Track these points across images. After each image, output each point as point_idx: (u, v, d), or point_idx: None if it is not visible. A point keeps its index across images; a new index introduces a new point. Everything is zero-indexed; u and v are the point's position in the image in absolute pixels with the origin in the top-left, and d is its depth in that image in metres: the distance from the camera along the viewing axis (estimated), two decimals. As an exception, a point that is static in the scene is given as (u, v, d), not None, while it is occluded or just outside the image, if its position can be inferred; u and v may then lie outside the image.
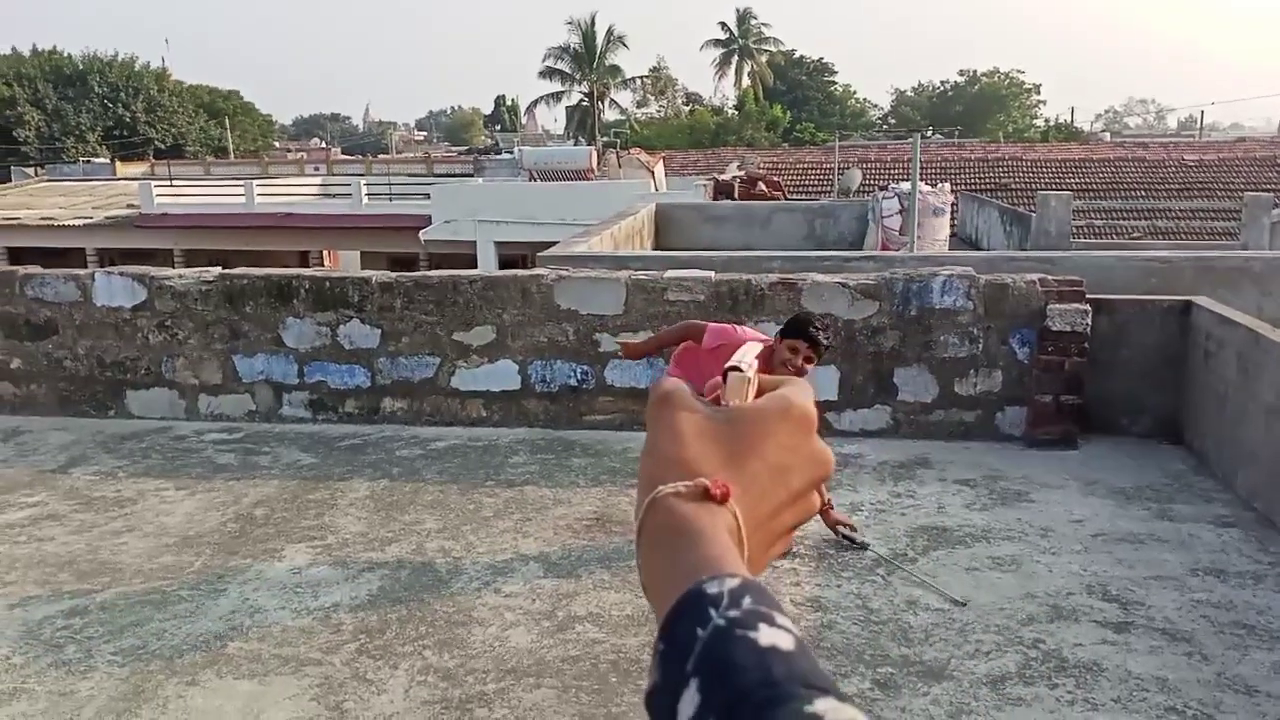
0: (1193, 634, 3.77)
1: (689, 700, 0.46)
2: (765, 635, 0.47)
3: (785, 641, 0.47)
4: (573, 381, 6.42)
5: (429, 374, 6.54)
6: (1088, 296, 5.90)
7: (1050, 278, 6.07)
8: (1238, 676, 3.47)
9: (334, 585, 4.29)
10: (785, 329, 4.23)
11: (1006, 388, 6.06)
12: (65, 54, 52.99)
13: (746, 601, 0.49)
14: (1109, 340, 6.04)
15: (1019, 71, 66.18)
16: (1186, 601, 4.02)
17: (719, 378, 0.64)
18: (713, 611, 0.49)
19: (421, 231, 21.85)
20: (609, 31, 55.42)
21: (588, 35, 54.84)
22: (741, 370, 0.62)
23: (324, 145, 72.10)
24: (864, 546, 4.53)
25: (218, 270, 6.83)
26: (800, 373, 4.06)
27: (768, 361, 4.03)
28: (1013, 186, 24.90)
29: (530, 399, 6.48)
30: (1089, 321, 5.78)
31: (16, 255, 22.30)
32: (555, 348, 6.40)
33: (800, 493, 0.61)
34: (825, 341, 4.18)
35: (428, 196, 23.50)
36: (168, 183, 29.64)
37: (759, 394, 0.63)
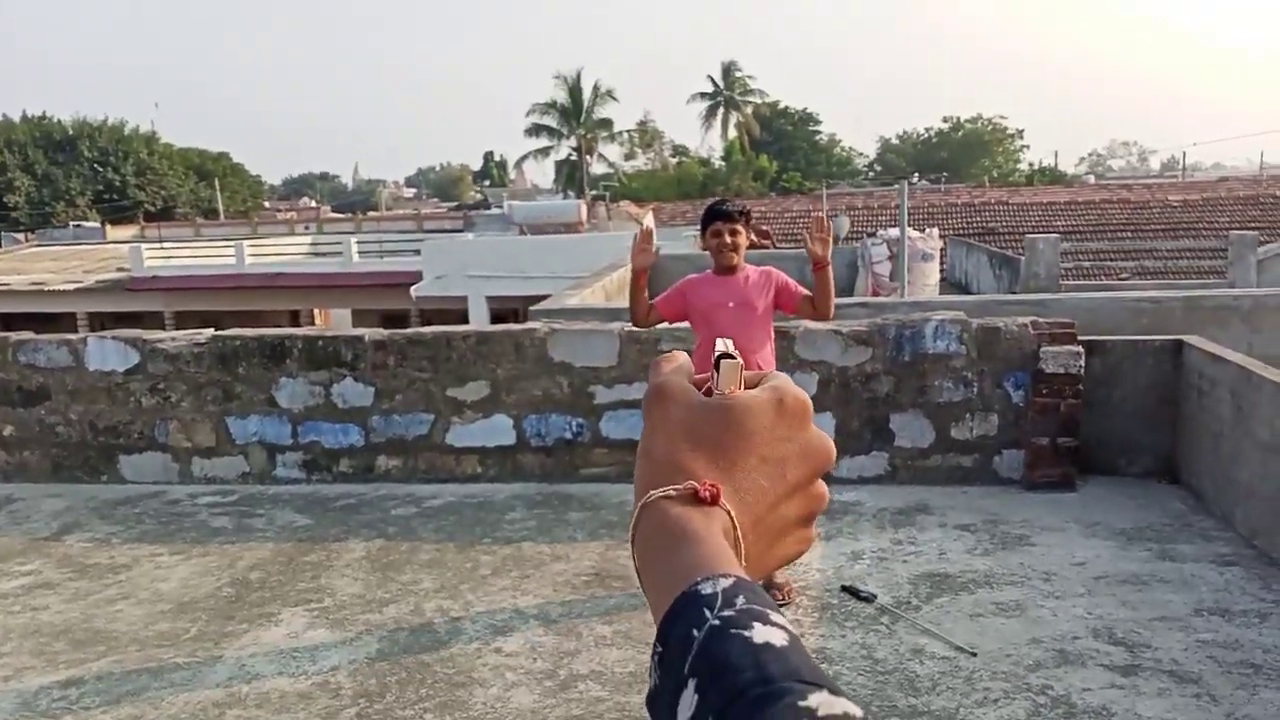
0: (1200, 675, 3.73)
1: (687, 701, 0.46)
2: (759, 633, 0.47)
3: (779, 638, 0.47)
4: (568, 435, 6.41)
5: (423, 431, 6.52)
6: (1079, 338, 5.92)
7: (1042, 320, 6.10)
8: (1247, 717, 3.43)
9: (332, 649, 4.23)
10: (702, 229, 4.50)
11: (1003, 431, 6.06)
12: (55, 119, 53.52)
13: (740, 601, 0.49)
14: (1103, 381, 6.06)
15: (1001, 117, 67.20)
16: (1192, 642, 3.99)
17: (711, 370, 0.63)
18: (707, 612, 0.49)
19: (413, 288, 21.93)
20: (595, 86, 56.12)
21: (574, 90, 55.49)
22: (734, 357, 0.62)
23: (314, 204, 72.56)
24: (871, 598, 4.50)
25: (210, 332, 6.83)
26: (737, 250, 4.34)
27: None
28: (1000, 230, 25.15)
29: (526, 453, 6.46)
30: (1082, 363, 5.80)
31: (7, 321, 22.29)
32: (550, 401, 6.39)
33: (799, 484, 0.61)
34: (731, 207, 4.44)
35: (418, 253, 23.64)
36: (158, 245, 29.76)
37: (752, 384, 0.62)
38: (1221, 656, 3.87)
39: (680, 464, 0.59)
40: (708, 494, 0.57)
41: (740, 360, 0.63)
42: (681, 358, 0.66)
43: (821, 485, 0.63)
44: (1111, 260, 20.79)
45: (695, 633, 0.48)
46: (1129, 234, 23.86)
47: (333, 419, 6.58)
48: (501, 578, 4.91)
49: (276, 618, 4.56)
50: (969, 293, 16.12)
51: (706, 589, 0.50)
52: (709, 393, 0.63)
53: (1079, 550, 4.99)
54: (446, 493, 6.29)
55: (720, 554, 0.54)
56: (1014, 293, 12.99)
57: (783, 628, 0.48)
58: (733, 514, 0.57)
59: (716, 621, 0.48)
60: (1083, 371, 5.81)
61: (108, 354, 6.73)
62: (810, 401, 0.62)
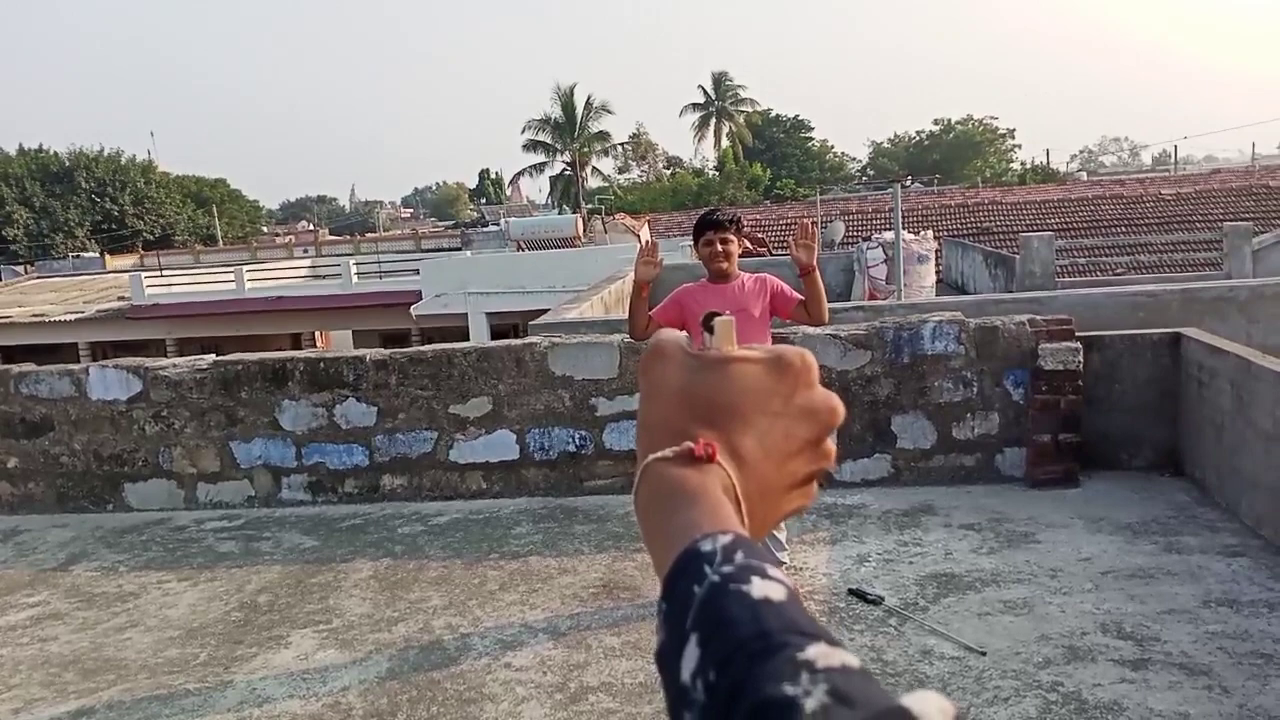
0: (1211, 667, 3.73)
1: (690, 655, 0.47)
2: (758, 588, 0.48)
3: (777, 593, 0.48)
4: (571, 448, 6.42)
5: (427, 449, 6.53)
6: (1077, 334, 5.93)
7: (1039, 318, 6.11)
8: (1260, 707, 3.43)
9: (342, 669, 4.23)
10: (695, 239, 4.56)
11: (1004, 429, 6.07)
12: (51, 151, 53.64)
13: (739, 557, 0.50)
14: (1102, 376, 6.06)
15: (992, 118, 67.28)
16: (1202, 634, 3.99)
17: (704, 331, 0.64)
18: (707, 568, 0.50)
19: (413, 307, 21.96)
20: (588, 101, 56.25)
21: (568, 105, 55.62)
22: (724, 314, 0.63)
23: (312, 227, 72.68)
24: (878, 601, 4.50)
25: (212, 357, 6.84)
26: (729, 258, 4.41)
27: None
28: (994, 230, 25.17)
29: (530, 468, 6.47)
30: (1080, 359, 5.81)
31: (9, 354, 22.31)
32: (552, 415, 6.41)
33: (809, 441, 0.61)
34: (721, 216, 4.51)
35: (417, 272, 23.68)
36: (158, 273, 29.82)
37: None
38: (1232, 647, 3.87)
39: (676, 427, 0.60)
40: (704, 452, 0.58)
41: (733, 318, 0.63)
42: (671, 331, 0.66)
43: (830, 444, 0.62)
44: (1106, 256, 20.82)
45: (696, 589, 0.49)
46: (1123, 229, 23.90)
47: (336, 440, 6.59)
48: (509, 592, 4.91)
49: (286, 640, 4.56)
50: (966, 293, 16.14)
51: (706, 546, 0.51)
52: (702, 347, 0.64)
53: (1084, 546, 5.00)
54: (452, 510, 6.30)
55: (719, 511, 0.55)
56: (1010, 291, 13.01)
57: (781, 582, 0.49)
58: (731, 471, 0.58)
59: (716, 578, 0.49)
60: (1082, 367, 5.81)
61: (110, 383, 6.75)
62: (815, 361, 0.62)
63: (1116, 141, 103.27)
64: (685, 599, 0.50)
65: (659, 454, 0.59)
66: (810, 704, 0.41)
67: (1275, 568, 4.57)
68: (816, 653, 0.44)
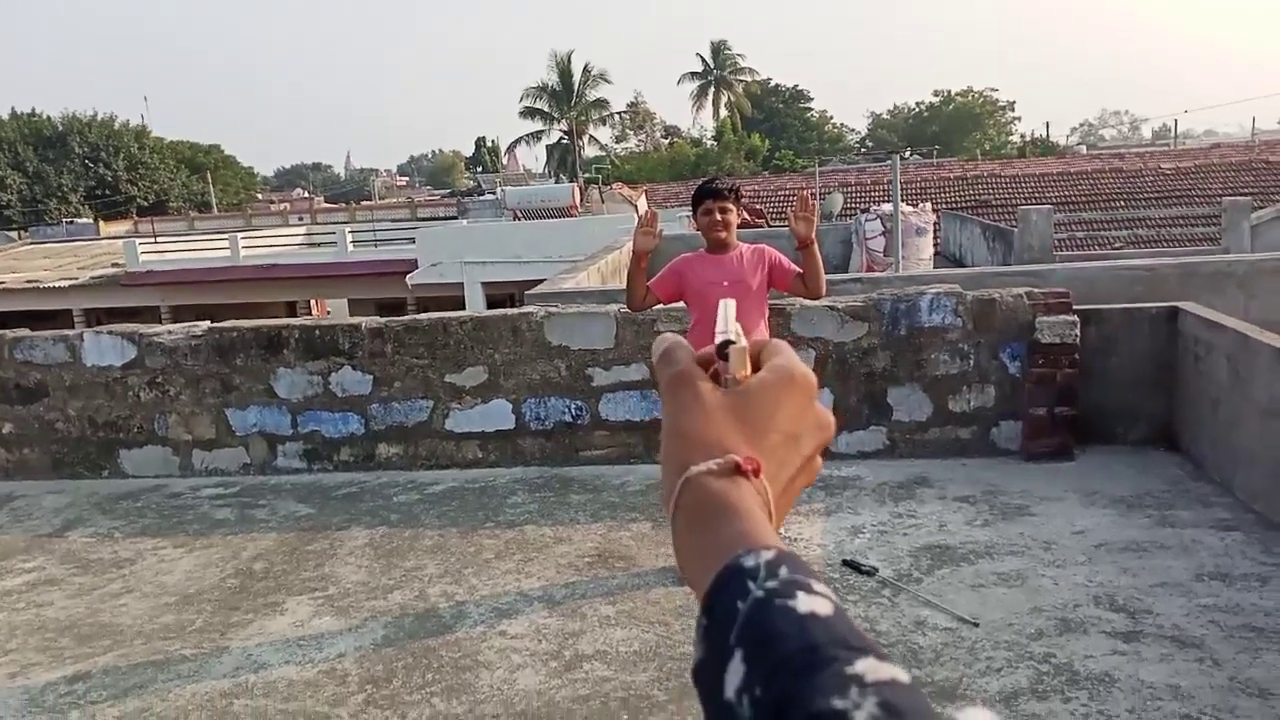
0: (1202, 640, 3.75)
1: (735, 671, 0.47)
2: (804, 603, 0.48)
3: (823, 608, 0.48)
4: (567, 418, 6.41)
5: (423, 417, 6.53)
6: (1075, 307, 5.92)
7: (1037, 291, 6.10)
8: (1250, 680, 3.45)
9: (337, 636, 4.25)
10: (693, 208, 4.52)
11: (1000, 402, 6.08)
12: (44, 116, 53.27)
13: (783, 572, 0.50)
14: (1099, 350, 6.06)
15: (992, 90, 67.05)
16: (1194, 607, 4.01)
17: (717, 358, 0.64)
18: (751, 584, 0.50)
19: (408, 276, 21.90)
20: (586, 69, 55.90)
21: (565, 73, 55.27)
22: (736, 341, 0.63)
23: (307, 195, 72.33)
24: (872, 571, 4.52)
25: (206, 324, 6.82)
26: (729, 228, 4.37)
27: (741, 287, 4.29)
28: (993, 203, 25.11)
29: (525, 437, 6.47)
30: (1078, 332, 5.80)
31: (3, 320, 22.23)
32: (548, 385, 6.40)
33: (810, 456, 0.63)
34: (721, 185, 4.47)
35: (413, 241, 23.59)
36: (152, 240, 29.70)
37: (752, 356, 0.64)
38: (1223, 621, 3.89)
39: (716, 441, 0.60)
40: (751, 467, 0.58)
41: (746, 344, 0.63)
42: (681, 344, 0.66)
43: (819, 458, 0.65)
44: (1105, 230, 20.78)
45: (740, 604, 0.49)
46: (1122, 203, 23.85)
47: (332, 408, 6.59)
48: (505, 561, 4.93)
49: (282, 607, 4.58)
50: (963, 266, 16.12)
51: (749, 561, 0.51)
52: (714, 374, 0.63)
53: (1079, 519, 5.01)
54: (448, 478, 6.31)
55: (761, 527, 0.55)
56: (1008, 264, 12.99)
57: (826, 597, 0.49)
58: (768, 489, 0.59)
59: (760, 593, 0.49)
60: (1079, 341, 5.81)
61: (104, 349, 6.73)
62: (814, 379, 0.64)
63: (1116, 115, 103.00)
64: (728, 614, 0.49)
65: (704, 466, 0.59)
66: (861, 717, 0.41)
67: (1268, 542, 4.59)
68: (865, 667, 0.44)
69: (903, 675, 0.44)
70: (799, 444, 0.62)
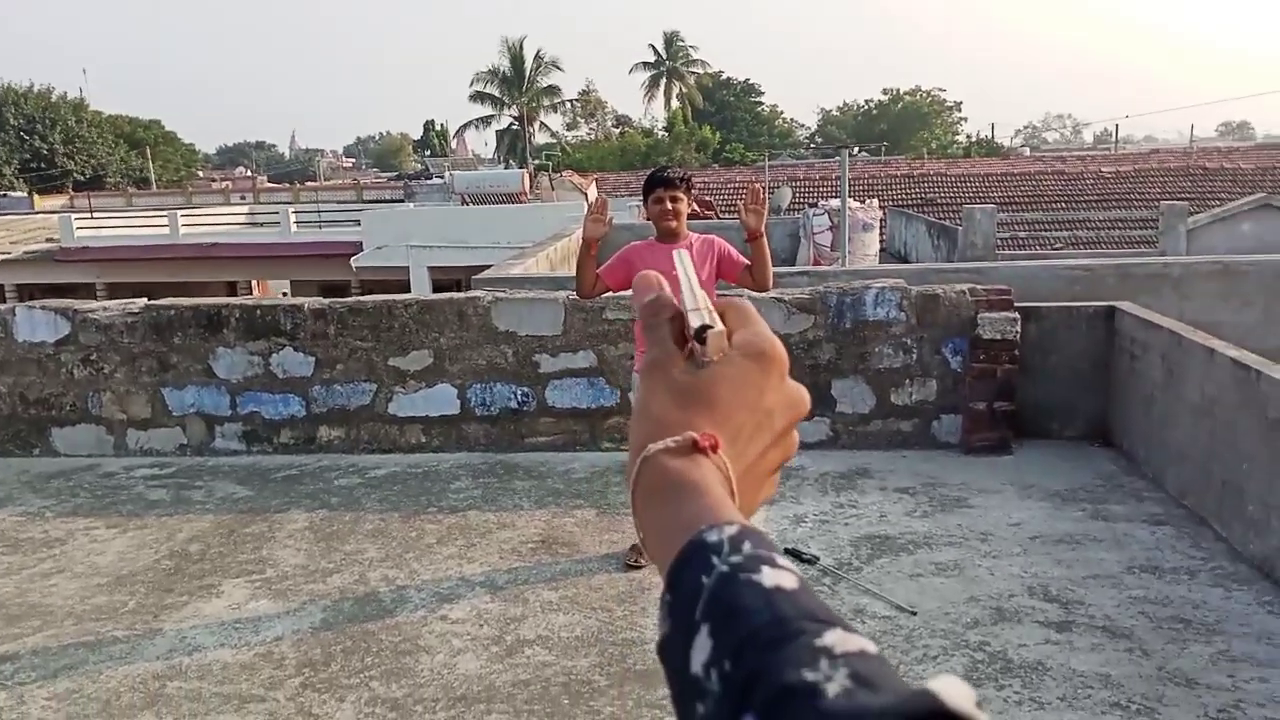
0: (1132, 630, 3.85)
1: (701, 646, 0.47)
2: (769, 577, 0.48)
3: (789, 581, 0.48)
4: (513, 404, 6.38)
5: (365, 401, 6.45)
6: (1016, 305, 6.02)
7: (979, 287, 6.19)
8: (1178, 670, 3.55)
9: (275, 619, 4.19)
10: (644, 197, 4.56)
11: (941, 396, 6.16)
12: (-23, 86, 51.60)
13: (747, 547, 0.50)
14: (1038, 347, 6.17)
15: (940, 90, 67.77)
16: (1125, 599, 4.11)
17: (696, 343, 0.64)
18: (715, 559, 0.49)
19: (353, 258, 21.64)
20: (538, 55, 55.56)
21: (516, 59, 54.89)
22: (713, 326, 0.63)
23: (250, 174, 71.07)
24: (813, 560, 4.56)
25: (143, 301, 6.67)
26: (679, 217, 4.40)
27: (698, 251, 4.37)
28: (938, 201, 25.44)
29: (470, 423, 6.42)
30: (1018, 329, 5.90)
31: (-70, 293, 21.60)
32: (494, 370, 6.36)
33: (783, 432, 0.62)
34: (672, 173, 4.51)
35: (358, 223, 23.33)
36: (88, 215, 28.99)
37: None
38: (1153, 612, 3.99)
39: (679, 420, 0.59)
40: (708, 443, 0.58)
41: (723, 328, 0.63)
42: (666, 307, 0.65)
43: (795, 433, 0.64)
44: (1046, 230, 21.15)
45: (704, 579, 0.48)
46: (1063, 205, 24.30)
47: (273, 389, 6.48)
48: (447, 546, 4.89)
49: (217, 589, 4.50)
50: (909, 262, 16.32)
51: (712, 536, 0.50)
52: (690, 352, 0.63)
53: (1015, 511, 5.11)
54: (390, 463, 6.24)
55: (722, 503, 0.55)
56: (952, 262, 13.18)
57: (791, 571, 0.49)
58: (728, 465, 0.58)
59: (725, 568, 0.48)
60: (1019, 337, 5.91)
61: (37, 324, 6.55)
62: (786, 354, 0.63)
63: (1060, 119, 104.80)
64: (692, 590, 0.49)
65: (661, 444, 0.58)
66: (832, 688, 0.40)
67: (1197, 536, 4.71)
68: (834, 639, 0.43)
69: (870, 646, 0.43)
70: (770, 419, 0.61)
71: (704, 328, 0.62)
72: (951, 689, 0.38)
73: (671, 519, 0.55)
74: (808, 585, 0.48)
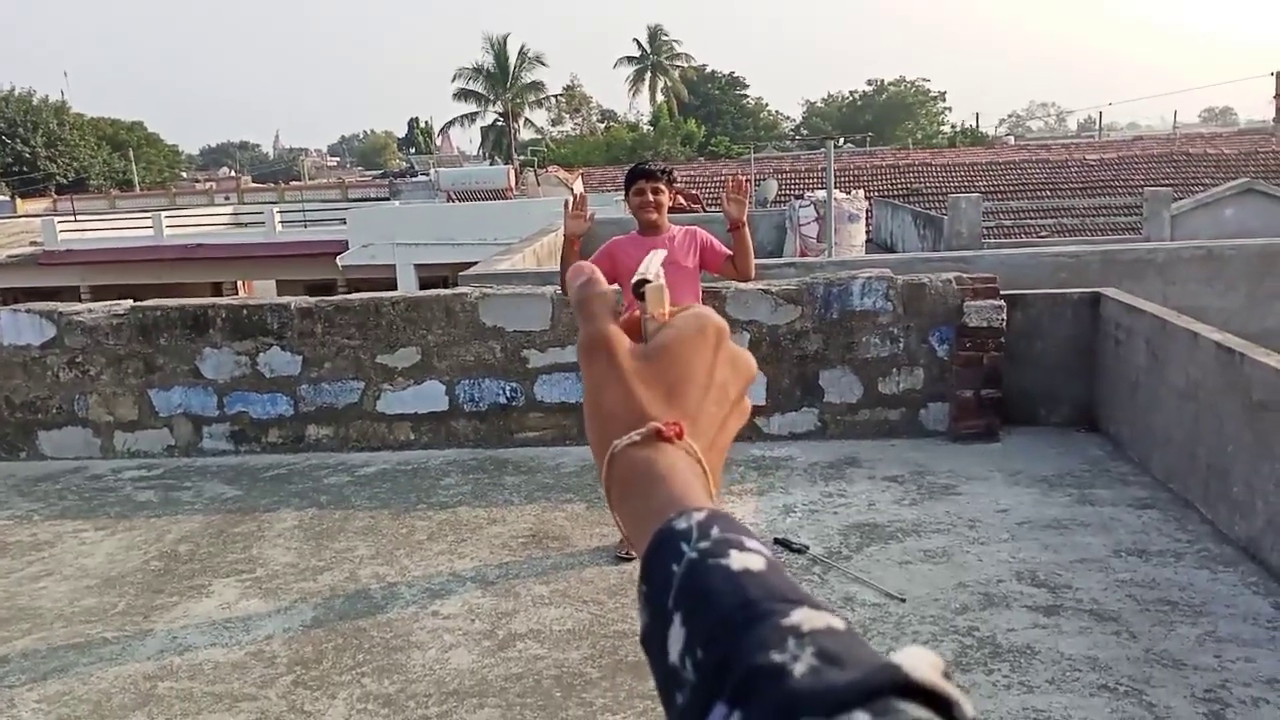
0: (1120, 613, 3.87)
1: (676, 634, 0.47)
2: (737, 560, 0.48)
3: (756, 563, 0.48)
4: (502, 399, 6.38)
5: (354, 399, 6.44)
6: (1001, 292, 6.05)
7: (965, 276, 6.21)
8: (1165, 651, 3.57)
9: (265, 618, 4.19)
10: (626, 190, 4.55)
11: (928, 385, 6.18)
12: (-42, 90, 51.22)
13: (715, 531, 0.50)
14: (1024, 334, 6.20)
15: (924, 80, 67.90)
16: (1112, 582, 4.14)
17: (634, 299, 0.63)
18: (684, 546, 0.50)
19: (339, 257, 21.58)
20: (522, 50, 55.41)
21: (500, 55, 54.73)
22: (651, 280, 0.62)
23: (234, 174, 70.78)
24: (803, 550, 4.57)
25: (129, 303, 6.64)
26: (660, 209, 4.41)
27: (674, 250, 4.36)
28: (924, 191, 25.48)
29: (459, 419, 6.42)
30: (1004, 316, 5.93)
31: (-87, 299, 21.43)
32: (483, 366, 6.36)
33: (736, 399, 0.63)
34: (653, 166, 4.54)
35: (344, 222, 23.26)
36: (71, 218, 28.82)
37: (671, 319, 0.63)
38: (1139, 595, 4.02)
39: (638, 411, 0.59)
40: (672, 432, 0.58)
41: (663, 283, 0.63)
42: (598, 290, 0.64)
43: (747, 399, 0.64)
44: (1031, 218, 21.22)
45: (675, 567, 0.49)
46: (1048, 193, 24.37)
47: (260, 389, 6.47)
48: (437, 542, 4.89)
49: (207, 589, 4.50)
50: (895, 252, 16.35)
51: (681, 524, 0.51)
52: (635, 323, 0.63)
53: (1002, 498, 5.13)
54: (379, 460, 6.24)
55: (690, 489, 0.55)
56: (938, 251, 13.21)
57: (759, 552, 0.49)
58: (695, 447, 0.58)
59: (694, 554, 0.49)
60: (1005, 325, 5.94)
61: (22, 327, 6.52)
62: (725, 323, 0.63)
63: (1044, 107, 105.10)
64: (665, 579, 0.49)
65: (626, 439, 0.58)
66: (799, 668, 0.41)
67: (1182, 520, 4.74)
68: (801, 617, 0.44)
69: (838, 622, 0.44)
70: (725, 390, 0.61)
71: (642, 281, 0.62)
72: (917, 660, 0.39)
73: (644, 510, 0.55)
74: (777, 565, 0.48)
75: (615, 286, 0.66)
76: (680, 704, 0.46)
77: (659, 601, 0.49)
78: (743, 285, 6.14)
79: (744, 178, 4.64)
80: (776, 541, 4.66)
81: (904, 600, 4.06)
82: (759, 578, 0.47)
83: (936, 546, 4.58)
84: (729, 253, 4.38)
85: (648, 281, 0.62)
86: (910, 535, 4.73)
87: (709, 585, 0.47)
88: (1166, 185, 19.65)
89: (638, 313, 0.63)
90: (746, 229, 4.31)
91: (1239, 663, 3.48)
